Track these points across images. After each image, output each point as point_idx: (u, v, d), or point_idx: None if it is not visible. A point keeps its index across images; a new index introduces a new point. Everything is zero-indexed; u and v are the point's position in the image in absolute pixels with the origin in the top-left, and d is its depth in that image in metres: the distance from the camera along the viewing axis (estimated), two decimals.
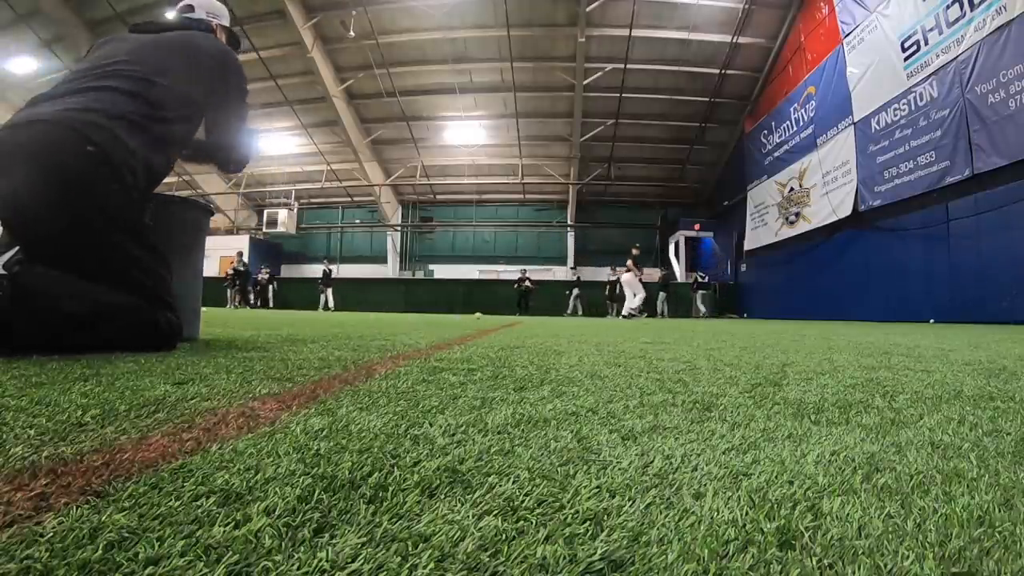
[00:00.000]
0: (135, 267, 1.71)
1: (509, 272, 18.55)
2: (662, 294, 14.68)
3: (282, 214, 20.38)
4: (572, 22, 13.55)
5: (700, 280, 15.55)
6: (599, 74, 14.65)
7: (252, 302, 15.82)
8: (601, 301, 15.45)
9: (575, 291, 16.30)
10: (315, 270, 18.56)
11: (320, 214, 22.61)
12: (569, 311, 15.09)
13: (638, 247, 11.23)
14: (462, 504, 0.47)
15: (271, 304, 16.53)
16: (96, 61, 1.83)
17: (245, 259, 16.10)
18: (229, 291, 15.48)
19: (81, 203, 1.59)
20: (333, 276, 16.56)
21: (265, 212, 20.82)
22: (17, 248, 1.59)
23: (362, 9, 13.45)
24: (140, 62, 1.82)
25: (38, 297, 1.53)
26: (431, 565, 0.36)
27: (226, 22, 2.30)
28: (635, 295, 10.56)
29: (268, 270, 17.15)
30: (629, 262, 10.63)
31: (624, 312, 10.70)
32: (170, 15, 2.25)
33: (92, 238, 1.63)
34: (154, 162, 1.80)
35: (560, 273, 20.04)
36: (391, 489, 0.50)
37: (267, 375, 1.25)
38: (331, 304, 15.48)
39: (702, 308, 15.29)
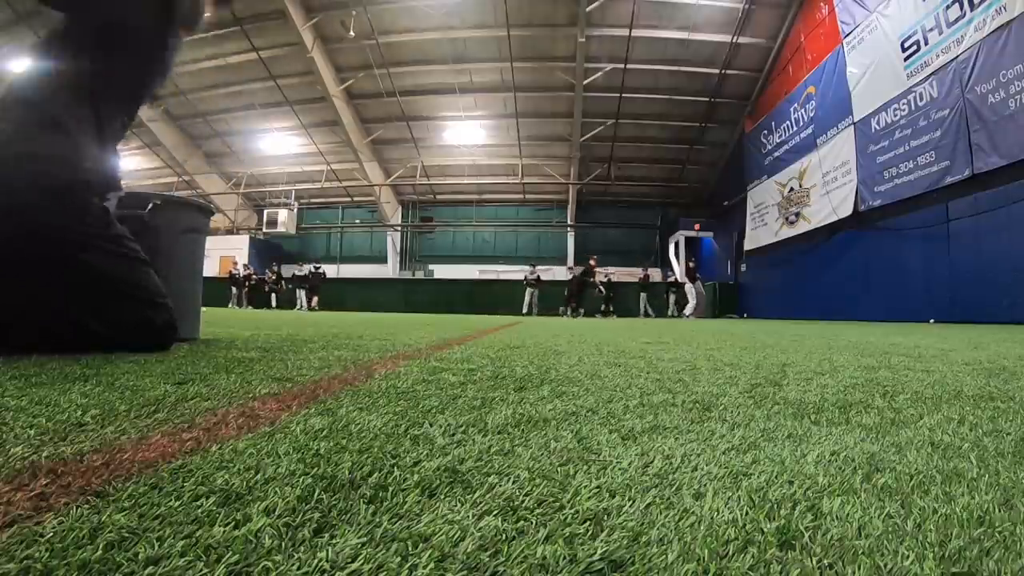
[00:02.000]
0: (114, 282, 1.67)
1: (510, 272, 18.47)
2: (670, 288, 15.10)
3: (282, 214, 20.38)
4: (572, 22, 13.53)
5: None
6: (599, 74, 14.64)
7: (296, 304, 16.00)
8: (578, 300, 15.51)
9: (531, 290, 15.77)
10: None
11: (320, 214, 22.61)
12: (525, 310, 14.95)
13: (693, 260, 14.47)
14: (462, 504, 0.47)
15: (274, 304, 16.56)
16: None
17: (319, 265, 16.39)
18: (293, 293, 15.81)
19: (44, 247, 1.55)
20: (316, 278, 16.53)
21: (265, 212, 20.83)
22: None
23: (362, 9, 13.45)
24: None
25: (27, 297, 1.53)
26: (431, 565, 0.36)
27: None
28: (691, 300, 13.37)
29: (274, 271, 17.14)
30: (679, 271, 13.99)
31: (684, 313, 13.63)
32: None
33: (63, 267, 1.58)
34: (107, 153, 1.73)
35: (560, 273, 20.01)
36: (391, 489, 0.50)
37: (267, 375, 1.25)
38: (303, 305, 15.49)
39: (650, 311, 15.31)
